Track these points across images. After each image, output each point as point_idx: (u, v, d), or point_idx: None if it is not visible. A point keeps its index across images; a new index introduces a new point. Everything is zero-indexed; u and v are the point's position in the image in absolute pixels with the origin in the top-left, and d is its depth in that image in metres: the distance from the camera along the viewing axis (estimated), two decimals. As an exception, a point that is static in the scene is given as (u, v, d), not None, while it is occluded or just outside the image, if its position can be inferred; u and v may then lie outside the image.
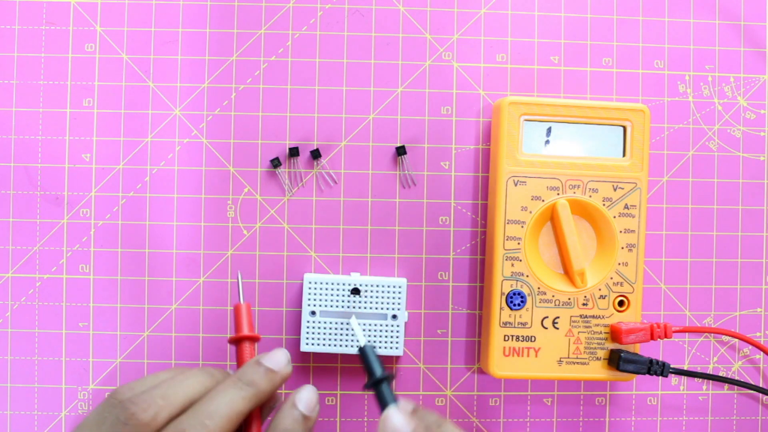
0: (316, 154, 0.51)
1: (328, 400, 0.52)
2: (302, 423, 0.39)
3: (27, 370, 0.51)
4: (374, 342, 0.49)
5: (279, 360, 0.41)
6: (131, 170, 0.51)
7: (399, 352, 0.49)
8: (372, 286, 0.49)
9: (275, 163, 0.51)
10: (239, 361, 0.42)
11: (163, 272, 0.51)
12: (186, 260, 0.51)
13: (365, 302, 0.49)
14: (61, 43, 0.51)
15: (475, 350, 0.52)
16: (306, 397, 0.40)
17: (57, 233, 0.51)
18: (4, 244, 0.51)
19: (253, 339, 0.43)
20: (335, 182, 0.52)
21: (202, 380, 0.40)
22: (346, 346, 0.49)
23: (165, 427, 0.37)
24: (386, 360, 0.52)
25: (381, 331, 0.49)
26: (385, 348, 0.49)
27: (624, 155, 0.49)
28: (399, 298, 0.50)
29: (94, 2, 0.51)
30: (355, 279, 0.50)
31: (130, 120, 0.51)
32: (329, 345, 0.49)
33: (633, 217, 0.49)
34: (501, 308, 0.48)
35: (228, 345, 0.51)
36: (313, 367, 0.52)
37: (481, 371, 0.52)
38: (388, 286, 0.50)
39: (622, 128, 0.49)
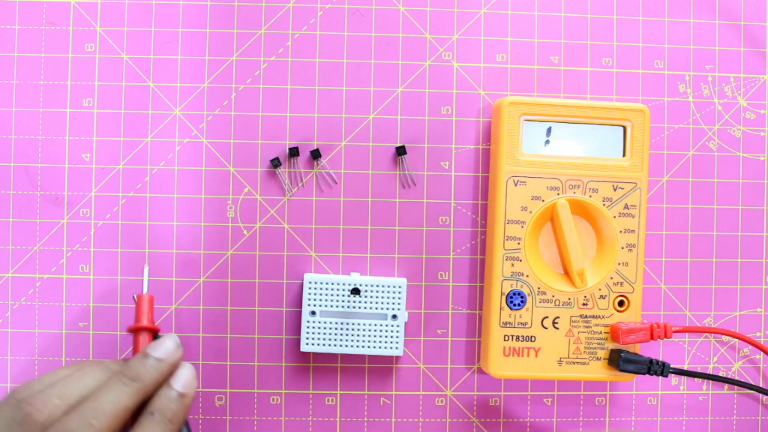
0: (316, 154, 0.51)
1: (328, 400, 0.52)
2: (178, 401, 0.40)
3: (27, 370, 0.51)
4: (374, 342, 0.49)
5: (167, 347, 0.41)
6: (131, 170, 0.51)
7: (399, 352, 0.49)
8: (372, 286, 0.49)
9: (275, 163, 0.51)
10: (134, 352, 0.43)
11: (163, 272, 0.51)
12: (186, 260, 0.51)
13: (365, 302, 0.49)
14: (61, 43, 0.51)
15: (475, 350, 0.52)
16: (183, 375, 0.41)
17: (57, 233, 0.51)
18: (4, 244, 0.51)
19: (151, 331, 0.44)
20: (335, 182, 0.52)
21: (99, 376, 0.40)
22: (347, 346, 0.49)
23: (53, 426, 0.37)
24: (386, 359, 0.52)
25: (381, 331, 0.49)
26: (385, 348, 0.49)
27: (624, 155, 0.49)
28: (399, 298, 0.50)
29: (94, 2, 0.51)
30: (355, 279, 0.50)
31: (130, 120, 0.51)
32: (329, 345, 0.49)
33: (633, 217, 0.49)
34: (501, 308, 0.48)
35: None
36: (313, 367, 0.51)
37: (481, 371, 0.52)
38: (388, 286, 0.50)
39: (622, 128, 0.49)
